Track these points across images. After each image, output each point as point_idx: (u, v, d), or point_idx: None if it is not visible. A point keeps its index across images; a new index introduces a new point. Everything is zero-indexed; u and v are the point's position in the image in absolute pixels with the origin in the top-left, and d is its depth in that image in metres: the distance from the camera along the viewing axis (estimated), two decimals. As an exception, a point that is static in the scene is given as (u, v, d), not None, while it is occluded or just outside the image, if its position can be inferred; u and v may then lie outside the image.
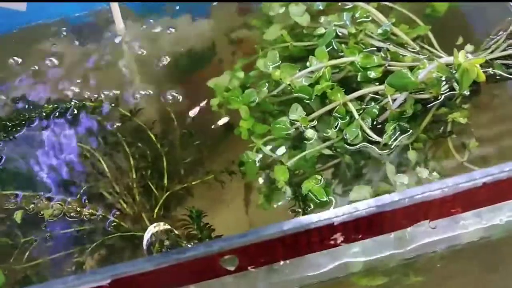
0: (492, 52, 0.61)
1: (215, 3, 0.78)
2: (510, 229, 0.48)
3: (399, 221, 0.41)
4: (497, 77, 0.60)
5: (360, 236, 0.41)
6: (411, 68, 0.59)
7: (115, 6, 0.70)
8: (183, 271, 0.40)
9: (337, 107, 0.59)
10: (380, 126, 0.59)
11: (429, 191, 0.39)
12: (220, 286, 0.44)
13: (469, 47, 0.62)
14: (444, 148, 0.60)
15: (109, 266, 0.39)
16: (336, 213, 0.38)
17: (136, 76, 0.72)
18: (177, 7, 0.78)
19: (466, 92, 0.60)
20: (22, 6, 0.71)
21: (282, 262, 0.42)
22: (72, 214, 0.57)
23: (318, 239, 0.40)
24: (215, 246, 0.38)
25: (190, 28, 0.77)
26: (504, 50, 0.61)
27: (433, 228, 0.44)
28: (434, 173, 0.57)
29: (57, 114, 0.65)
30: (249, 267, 0.42)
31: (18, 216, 0.57)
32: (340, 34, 0.66)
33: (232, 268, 0.41)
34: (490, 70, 0.61)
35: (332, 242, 0.41)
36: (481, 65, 0.59)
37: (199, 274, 0.41)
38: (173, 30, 0.76)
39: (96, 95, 0.68)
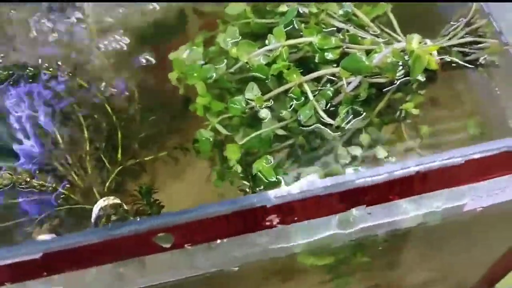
0: (450, 39, 0.61)
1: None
2: (446, 216, 0.49)
3: (335, 205, 0.41)
4: (453, 64, 0.60)
5: (296, 218, 0.42)
6: (369, 51, 0.59)
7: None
8: (115, 247, 0.40)
9: (293, 88, 0.59)
10: (334, 108, 0.59)
11: (363, 178, 0.39)
12: (156, 262, 0.45)
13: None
14: (398, 133, 0.61)
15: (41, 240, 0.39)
16: (269, 196, 0.39)
17: (99, 48, 0.70)
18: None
19: (422, 78, 0.60)
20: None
21: (219, 241, 0.43)
22: (22, 185, 0.57)
23: (253, 220, 0.40)
24: (146, 224, 0.39)
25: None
26: (462, 37, 0.61)
27: (368, 213, 0.44)
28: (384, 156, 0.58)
29: (11, 82, 0.64)
30: (185, 245, 0.42)
31: (-36, 184, 0.56)
32: (302, 12, 0.65)
33: (167, 246, 0.41)
34: (447, 57, 0.61)
35: (268, 223, 0.41)
36: (438, 52, 0.60)
37: (133, 250, 0.41)
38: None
39: (55, 65, 0.66)
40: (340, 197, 0.40)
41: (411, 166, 0.39)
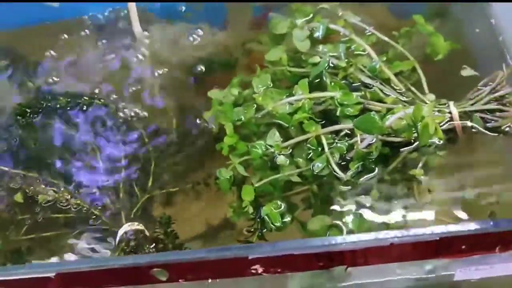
0: (473, 104, 0.62)
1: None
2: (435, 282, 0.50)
3: (314, 263, 0.45)
4: (473, 130, 0.61)
5: (279, 270, 0.45)
6: (389, 110, 0.62)
7: (132, 9, 0.77)
8: (119, 275, 0.46)
9: (311, 138, 0.62)
10: (348, 162, 0.62)
11: (336, 243, 0.42)
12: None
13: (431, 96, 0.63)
14: (410, 193, 0.62)
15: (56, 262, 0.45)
16: (251, 249, 0.43)
17: (147, 80, 0.78)
18: (196, 17, 0.83)
19: (439, 142, 0.61)
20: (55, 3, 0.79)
21: (210, 280, 0.47)
22: (62, 202, 0.64)
23: (238, 267, 0.45)
24: (145, 259, 0.44)
25: (207, 37, 0.82)
26: (486, 103, 0.61)
27: (347, 273, 0.47)
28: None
29: (69, 108, 0.72)
30: (179, 280, 0.47)
31: (18, 196, 0.65)
32: (332, 65, 0.68)
33: (163, 279, 0.47)
34: (469, 122, 0.61)
35: (253, 271, 0.45)
36: (461, 116, 0.61)
37: (133, 279, 0.47)
38: (188, 37, 0.81)
39: (107, 95, 0.75)
40: (319, 257, 0.43)
41: (384, 237, 0.42)
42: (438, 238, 0.41)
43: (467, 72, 0.67)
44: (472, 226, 0.41)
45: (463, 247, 0.43)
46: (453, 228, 0.41)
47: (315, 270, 0.45)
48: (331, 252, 0.43)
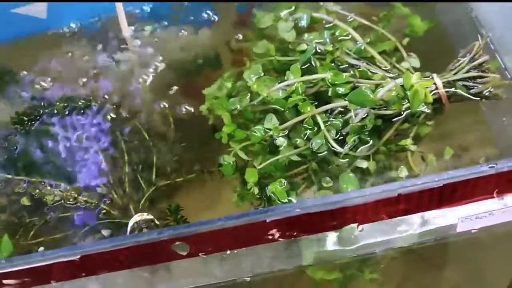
0: (455, 73, 0.66)
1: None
2: (440, 236, 0.53)
3: (328, 223, 0.47)
4: (457, 97, 0.65)
5: (295, 234, 0.48)
6: (378, 85, 0.65)
7: (120, 14, 0.79)
8: (141, 253, 0.48)
9: (307, 119, 0.65)
10: (345, 137, 0.65)
11: (351, 197, 0.45)
12: (179, 269, 0.52)
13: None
14: (406, 160, 0.66)
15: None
16: (268, 212, 0.45)
17: (140, 80, 0.80)
18: (184, 18, 0.86)
19: (427, 110, 0.65)
20: (42, 14, 0.81)
21: (229, 251, 0.49)
22: (70, 201, 0.66)
23: (255, 233, 0.47)
24: (165, 233, 0.46)
25: (193, 37, 0.85)
26: (467, 72, 0.65)
27: (360, 231, 0.50)
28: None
29: (67, 112, 0.74)
30: (199, 254, 0.49)
31: (24, 200, 0.66)
32: (319, 50, 0.72)
33: (184, 254, 0.48)
34: (452, 90, 0.65)
35: (270, 237, 0.48)
36: (444, 85, 0.65)
37: (154, 257, 0.48)
38: (176, 37, 0.84)
39: (102, 97, 0.77)
40: (332, 215, 0.46)
41: (395, 188, 0.44)
42: (442, 185, 0.44)
43: (413, 60, 0.71)
44: (471, 171, 0.44)
45: (464, 193, 0.46)
46: (453, 174, 0.44)
47: (329, 230, 0.48)
48: (343, 208, 0.46)
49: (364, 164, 0.61)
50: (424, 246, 0.57)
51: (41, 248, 0.62)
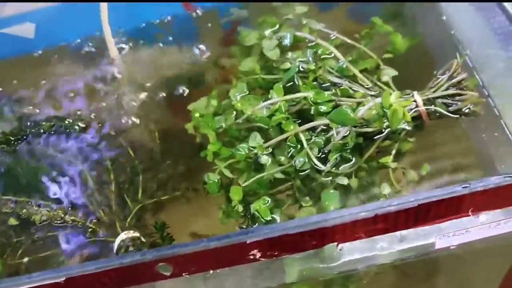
0: (435, 91, 0.67)
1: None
2: (420, 253, 0.54)
3: (308, 242, 0.48)
4: (437, 114, 0.66)
5: (276, 253, 0.49)
6: (359, 103, 0.67)
7: (107, 33, 0.80)
8: (125, 274, 0.48)
9: (290, 137, 0.66)
10: (327, 155, 0.66)
11: (329, 219, 0.46)
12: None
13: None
14: (388, 177, 0.67)
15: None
16: (249, 234, 0.46)
17: (127, 99, 0.81)
18: (169, 37, 0.88)
19: (408, 127, 0.66)
20: (30, 33, 0.82)
21: (211, 271, 0.50)
22: (57, 220, 0.66)
23: (237, 254, 0.48)
24: (149, 255, 0.47)
25: (180, 55, 0.86)
26: (446, 89, 0.67)
27: (340, 250, 0.51)
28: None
29: (53, 131, 0.75)
30: (183, 274, 0.50)
31: (11, 220, 0.67)
32: (302, 69, 0.73)
33: (167, 274, 0.49)
34: (432, 108, 0.67)
35: (251, 257, 0.49)
36: (424, 103, 0.67)
37: (138, 278, 0.49)
38: (162, 56, 0.85)
39: (89, 116, 0.77)
40: (310, 235, 0.47)
41: (372, 208, 0.46)
42: (417, 205, 0.45)
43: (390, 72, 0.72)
44: (445, 191, 0.46)
45: (439, 212, 0.47)
46: (428, 194, 0.46)
47: (309, 250, 0.49)
48: (322, 228, 0.47)
49: (344, 181, 0.62)
50: (405, 262, 0.58)
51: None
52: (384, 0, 0.84)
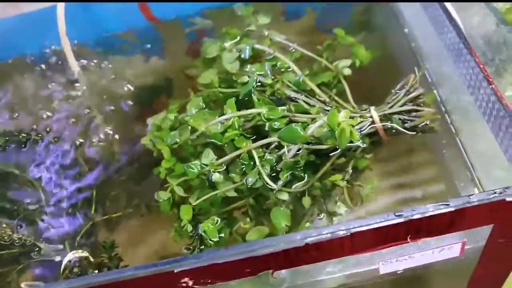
0: (391, 107, 0.66)
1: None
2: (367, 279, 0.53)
3: (241, 270, 0.47)
4: (393, 130, 0.65)
5: (209, 281, 0.47)
6: (314, 119, 0.65)
7: (66, 46, 0.79)
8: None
9: (242, 154, 0.65)
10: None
11: (258, 248, 0.45)
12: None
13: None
14: (342, 196, 0.65)
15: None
16: (177, 263, 0.45)
17: (87, 111, 0.80)
18: (133, 48, 0.86)
19: (363, 144, 0.65)
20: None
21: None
22: (5, 238, 0.65)
23: (168, 282, 0.46)
24: (76, 283, 0.46)
25: (144, 66, 0.85)
26: (403, 105, 0.65)
27: (275, 278, 0.49)
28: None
29: (8, 146, 0.74)
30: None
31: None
32: (260, 83, 0.71)
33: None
34: (389, 124, 0.65)
35: (183, 285, 0.47)
36: (381, 119, 0.65)
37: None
38: (127, 67, 0.84)
39: (44, 130, 0.76)
40: (243, 264, 0.46)
41: (301, 237, 0.44)
42: (349, 234, 0.44)
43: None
44: (377, 219, 0.44)
45: (376, 239, 0.46)
46: (361, 222, 0.44)
47: (244, 277, 0.47)
48: (253, 257, 0.45)
49: (284, 196, 0.61)
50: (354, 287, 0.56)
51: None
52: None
